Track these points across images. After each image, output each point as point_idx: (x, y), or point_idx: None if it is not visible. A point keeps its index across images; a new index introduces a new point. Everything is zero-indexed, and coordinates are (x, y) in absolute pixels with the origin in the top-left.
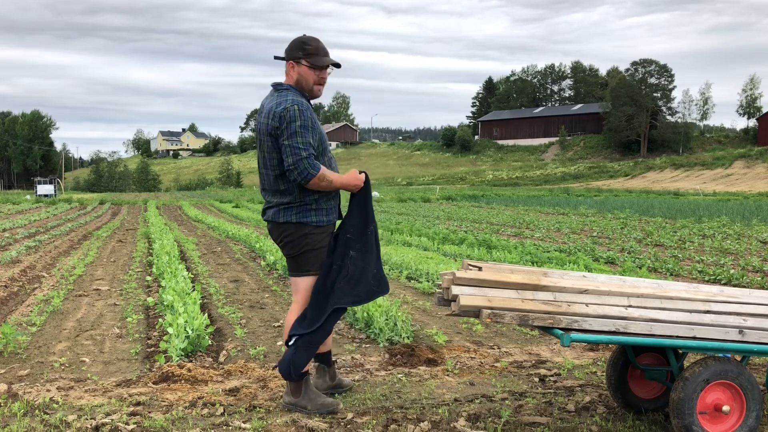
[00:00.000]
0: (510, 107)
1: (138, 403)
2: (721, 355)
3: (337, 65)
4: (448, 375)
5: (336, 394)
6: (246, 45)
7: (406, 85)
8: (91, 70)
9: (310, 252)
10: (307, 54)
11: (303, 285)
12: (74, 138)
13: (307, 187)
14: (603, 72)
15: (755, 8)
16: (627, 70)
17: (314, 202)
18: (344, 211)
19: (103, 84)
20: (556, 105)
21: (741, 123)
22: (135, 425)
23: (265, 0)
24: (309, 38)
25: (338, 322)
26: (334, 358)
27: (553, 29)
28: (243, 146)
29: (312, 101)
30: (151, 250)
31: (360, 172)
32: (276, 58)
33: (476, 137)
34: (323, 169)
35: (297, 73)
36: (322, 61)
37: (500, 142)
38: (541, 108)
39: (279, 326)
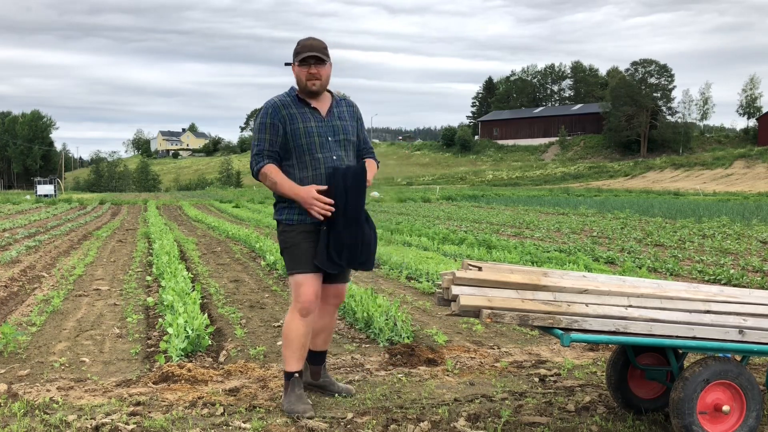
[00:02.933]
0: (510, 107)
1: (138, 403)
2: (721, 355)
3: (315, 57)
4: (448, 375)
5: (336, 395)
6: (249, 45)
7: (407, 85)
8: (92, 70)
9: (285, 250)
10: (295, 53)
11: (292, 283)
12: (75, 138)
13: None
14: (603, 72)
15: (758, 8)
16: (627, 70)
17: (286, 200)
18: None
19: (105, 84)
20: (556, 105)
21: (741, 123)
22: (135, 425)
23: (269, 0)
24: (302, 39)
25: (338, 321)
26: (335, 359)
27: (556, 29)
28: (243, 146)
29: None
30: (151, 250)
31: (325, 189)
32: (286, 64)
33: (476, 137)
34: (267, 168)
35: (295, 74)
36: (301, 56)
37: (500, 142)
38: (541, 108)
39: (279, 326)
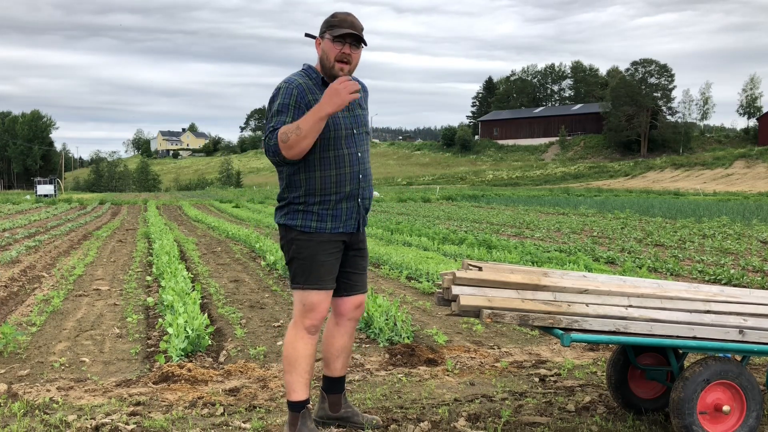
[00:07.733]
0: (510, 107)
1: (138, 403)
2: (721, 355)
3: (354, 36)
4: (448, 375)
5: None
6: (254, 45)
7: (409, 85)
8: (97, 70)
9: (295, 260)
10: (329, 26)
11: (295, 298)
12: (77, 138)
13: (289, 159)
14: (603, 71)
15: (765, 9)
16: (627, 69)
17: (303, 203)
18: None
19: (109, 84)
20: (556, 105)
21: (741, 123)
22: (135, 425)
23: (277, 0)
24: (339, 12)
25: None
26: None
27: (563, 29)
28: (243, 146)
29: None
30: (151, 250)
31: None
32: (307, 35)
33: (476, 137)
34: (282, 128)
35: (321, 49)
36: (340, 30)
37: (500, 142)
38: (541, 108)
39: (279, 326)
